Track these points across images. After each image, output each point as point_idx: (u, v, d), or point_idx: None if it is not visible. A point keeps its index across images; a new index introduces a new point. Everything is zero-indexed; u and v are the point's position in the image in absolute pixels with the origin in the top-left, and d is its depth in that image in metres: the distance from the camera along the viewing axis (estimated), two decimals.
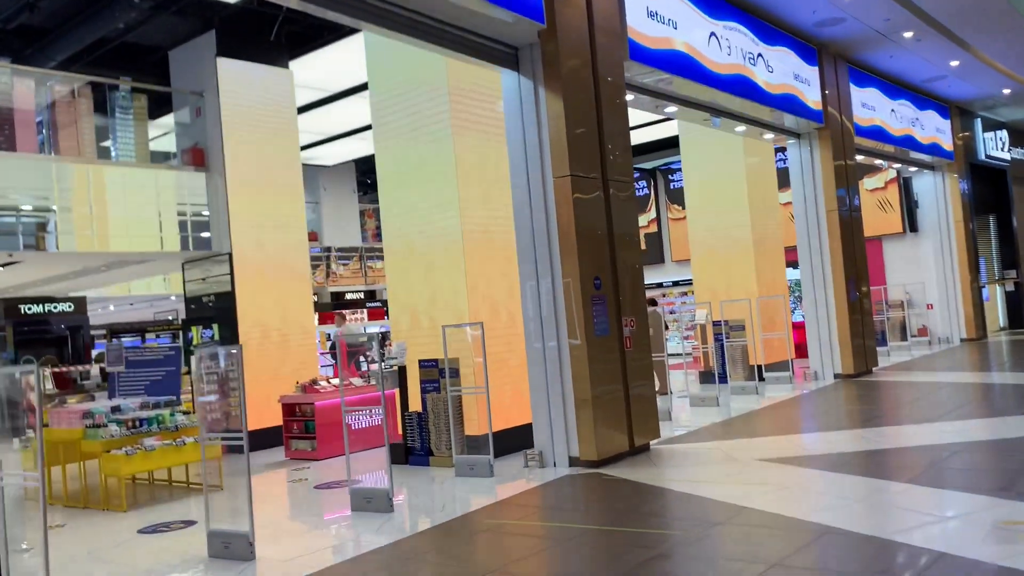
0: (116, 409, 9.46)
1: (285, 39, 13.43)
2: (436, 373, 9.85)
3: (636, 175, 27.41)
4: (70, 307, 18.43)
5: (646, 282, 27.92)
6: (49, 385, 16.76)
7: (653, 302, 14.78)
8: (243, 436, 6.68)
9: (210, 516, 6.69)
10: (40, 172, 11.72)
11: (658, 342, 13.92)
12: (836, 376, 15.09)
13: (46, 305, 18.04)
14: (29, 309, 17.83)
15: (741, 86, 12.34)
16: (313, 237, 22.56)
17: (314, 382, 11.51)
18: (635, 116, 19.45)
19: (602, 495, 7.74)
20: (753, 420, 11.47)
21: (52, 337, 18.12)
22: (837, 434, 9.83)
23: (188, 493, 9.51)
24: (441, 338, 9.04)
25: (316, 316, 14.75)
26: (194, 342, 13.26)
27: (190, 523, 7.89)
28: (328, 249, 22.40)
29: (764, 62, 13.00)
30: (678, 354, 20.28)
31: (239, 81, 12.71)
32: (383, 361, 10.57)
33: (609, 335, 8.94)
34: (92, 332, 19.62)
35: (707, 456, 8.94)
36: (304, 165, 22.64)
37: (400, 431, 10.21)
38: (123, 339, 23.24)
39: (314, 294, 22.48)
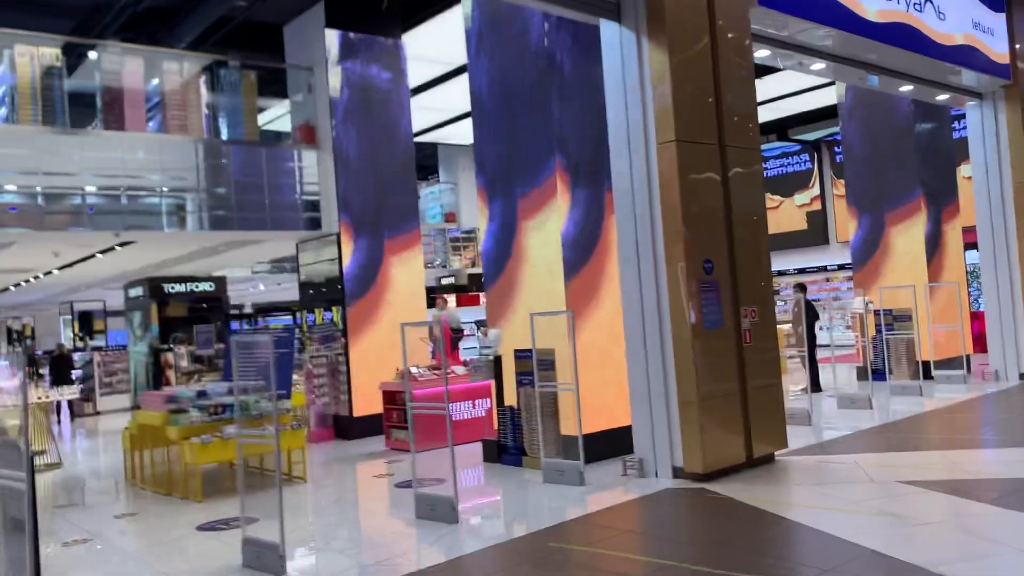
0: (202, 394, 9.18)
1: (398, 7, 12.78)
2: (531, 365, 8.91)
3: (796, 147, 25.30)
4: (211, 287, 18.89)
5: (808, 266, 25.83)
6: (184, 363, 17.25)
7: (802, 287, 13.16)
8: (274, 434, 6.00)
9: (249, 520, 6.11)
10: (173, 152, 11.73)
11: (805, 334, 12.35)
12: (1023, 377, 12.87)
13: (188, 284, 18.55)
14: (172, 288, 18.40)
15: (904, 36, 10.51)
16: (451, 218, 22.11)
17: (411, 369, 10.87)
18: (793, 80, 17.68)
19: (697, 519, 6.56)
20: (909, 428, 9.76)
21: (193, 316, 18.65)
22: (1014, 452, 8.08)
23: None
24: (532, 327, 8.09)
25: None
26: (316, 322, 13.00)
27: (253, 520, 7.39)
28: (471, 231, 21.78)
29: (934, 7, 11.04)
30: (842, 345, 18.28)
31: (347, 54, 12.21)
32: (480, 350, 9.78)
33: (723, 327, 7.66)
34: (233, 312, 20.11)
35: (840, 474, 7.50)
36: (441, 145, 22.50)
37: (496, 427, 9.37)
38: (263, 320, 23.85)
39: (451, 275, 22.11)
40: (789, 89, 19.08)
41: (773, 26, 9.17)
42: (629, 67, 7.80)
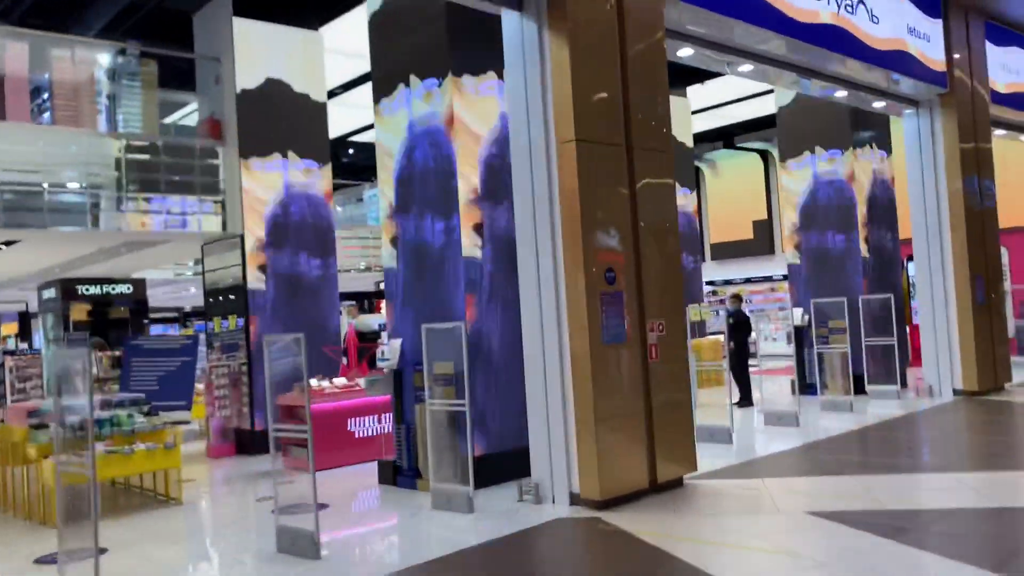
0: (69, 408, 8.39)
1: None
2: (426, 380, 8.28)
3: (743, 156, 25.00)
4: (128, 289, 17.97)
5: (754, 275, 25.50)
6: (95, 370, 16.31)
7: (737, 298, 12.70)
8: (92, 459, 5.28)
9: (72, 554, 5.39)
10: (65, 146, 10.91)
11: (732, 347, 11.89)
12: (956, 392, 12.53)
13: (104, 287, 17.62)
14: (86, 290, 17.46)
15: (835, 38, 10.08)
16: None
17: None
18: (740, 86, 17.29)
19: (577, 556, 5.97)
20: (831, 449, 9.29)
21: (109, 319, 17.73)
22: (939, 478, 7.63)
23: (150, 506, 8.32)
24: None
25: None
26: (215, 330, 12.21)
27: (102, 551, 6.65)
28: None
29: (867, 10, 10.64)
30: (778, 356, 17.91)
31: (257, 45, 11.49)
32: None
33: (626, 341, 7.09)
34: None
35: (747, 502, 6.96)
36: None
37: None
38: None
39: None
40: (735, 95, 18.76)
41: (693, 23, 8.66)
42: (530, 60, 7.22)
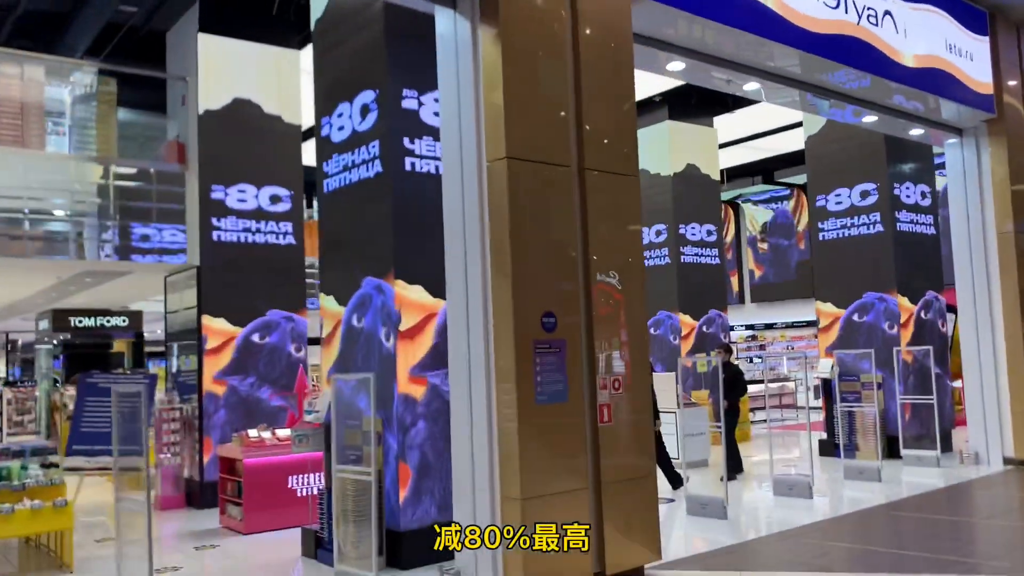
0: None
1: (294, 15, 11.24)
2: (358, 438, 7.15)
3: (785, 191, 23.52)
4: (124, 321, 17.30)
5: (797, 319, 23.81)
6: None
7: (726, 349, 11.28)
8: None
9: None
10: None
11: (732, 405, 10.49)
12: (1007, 462, 10.87)
13: (98, 318, 16.98)
14: (80, 322, 16.83)
15: (853, 52, 8.78)
16: None
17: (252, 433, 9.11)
18: (776, 115, 15.89)
19: None
20: (841, 533, 7.81)
21: (104, 353, 17.07)
22: None
23: (40, 568, 7.30)
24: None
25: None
26: (174, 369, 11.29)
27: None
28: None
29: (894, 21, 9.33)
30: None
31: (224, 63, 10.67)
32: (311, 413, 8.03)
33: (566, 402, 5.85)
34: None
35: None
36: None
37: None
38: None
39: None
40: (770, 125, 17.42)
41: (680, 30, 7.50)
42: (463, 64, 6.12)
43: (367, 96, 7.19)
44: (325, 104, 7.76)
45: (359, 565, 6.57)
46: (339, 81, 7.60)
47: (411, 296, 6.83)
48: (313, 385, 10.84)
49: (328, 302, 7.62)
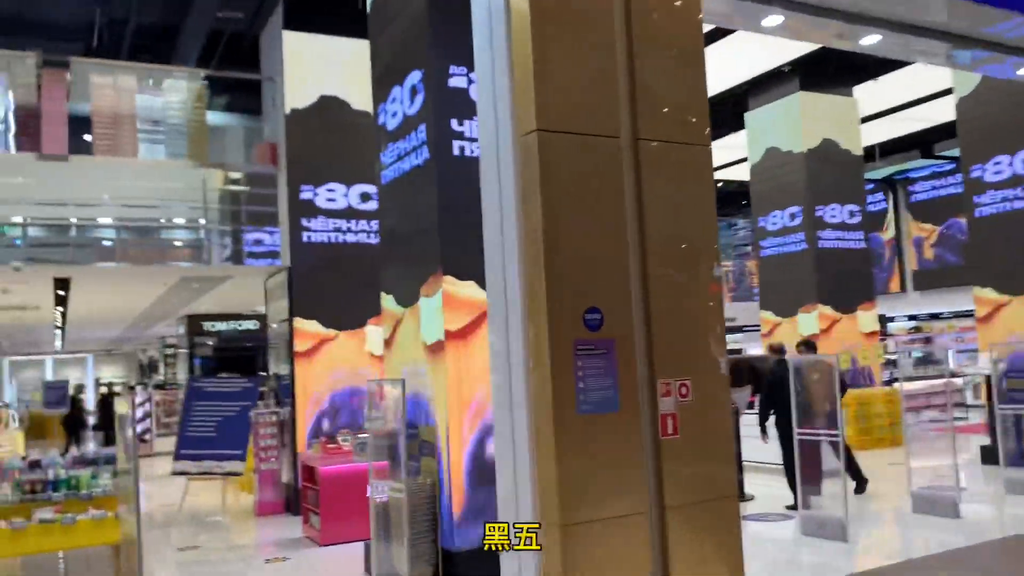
0: (34, 465, 7.49)
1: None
2: (416, 447, 6.61)
3: (950, 166, 21.13)
4: (255, 325, 17.72)
5: (934, 311, 21.40)
6: None
7: (777, 349, 9.89)
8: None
9: None
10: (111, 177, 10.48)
11: (822, 409, 9.12)
12: None
13: (230, 322, 17.47)
14: (212, 326, 17.37)
15: None
16: None
17: (331, 438, 8.77)
18: (927, 81, 14.04)
19: None
20: (987, 561, 6.49)
21: (238, 356, 17.53)
22: None
23: None
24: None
25: None
26: (280, 374, 11.22)
27: None
28: None
29: None
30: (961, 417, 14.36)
31: (310, 61, 10.45)
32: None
33: (618, 412, 5.01)
34: None
35: None
36: None
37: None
38: None
39: None
40: (920, 93, 15.54)
41: None
42: (496, 20, 5.39)
43: (415, 77, 6.62)
44: (380, 90, 7.27)
45: None
46: (391, 64, 7.08)
47: (461, 293, 6.19)
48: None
49: (388, 302, 7.12)
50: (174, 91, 10.52)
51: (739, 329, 22.75)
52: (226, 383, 11.56)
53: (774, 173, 14.24)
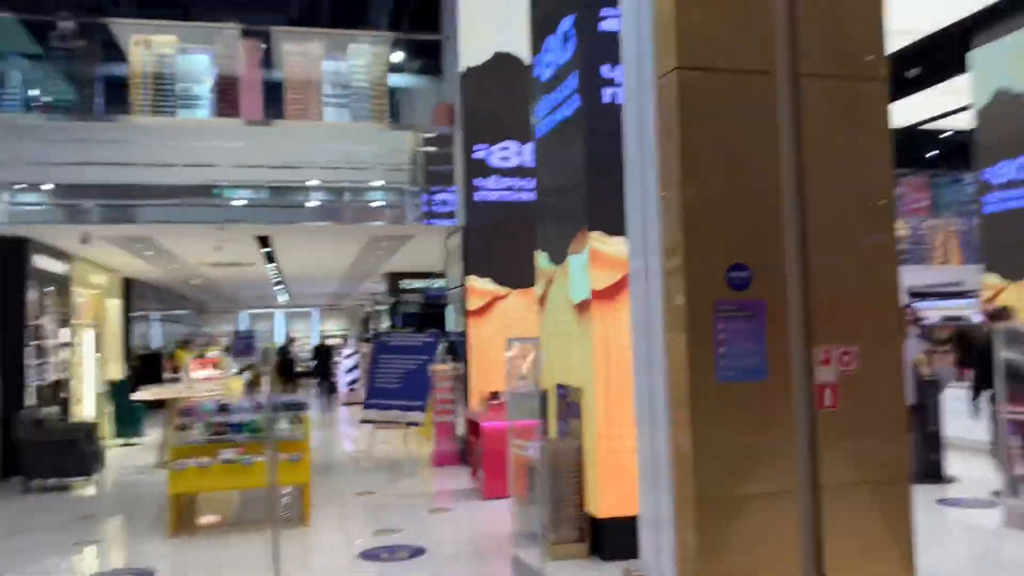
0: (223, 408, 8.06)
1: None
2: (564, 408, 6.43)
3: None
4: (445, 283, 18.20)
5: None
6: None
7: (999, 314, 8.45)
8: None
9: None
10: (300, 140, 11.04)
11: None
12: None
13: (424, 280, 18.07)
14: (409, 284, 18.05)
15: None
16: None
17: (495, 395, 8.77)
18: None
19: None
20: None
21: (427, 313, 18.12)
22: None
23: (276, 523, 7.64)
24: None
25: None
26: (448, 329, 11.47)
27: (147, 573, 6.05)
28: None
29: None
30: None
31: (484, 17, 10.37)
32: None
33: (766, 380, 4.54)
34: None
35: None
36: None
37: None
38: None
39: None
40: None
41: None
42: None
43: (567, 23, 6.32)
44: (536, 41, 7.03)
45: (556, 552, 5.91)
46: (546, 12, 6.81)
47: (609, 250, 5.89)
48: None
49: (541, 260, 6.94)
50: (359, 55, 10.83)
51: (962, 295, 20.56)
52: (409, 338, 11.96)
53: (1004, 118, 12.54)
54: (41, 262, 11.28)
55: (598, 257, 5.88)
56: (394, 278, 18.15)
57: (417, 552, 6.32)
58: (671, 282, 4.66)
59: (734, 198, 4.64)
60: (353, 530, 7.21)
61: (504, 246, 10.14)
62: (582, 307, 6.01)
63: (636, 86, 5.05)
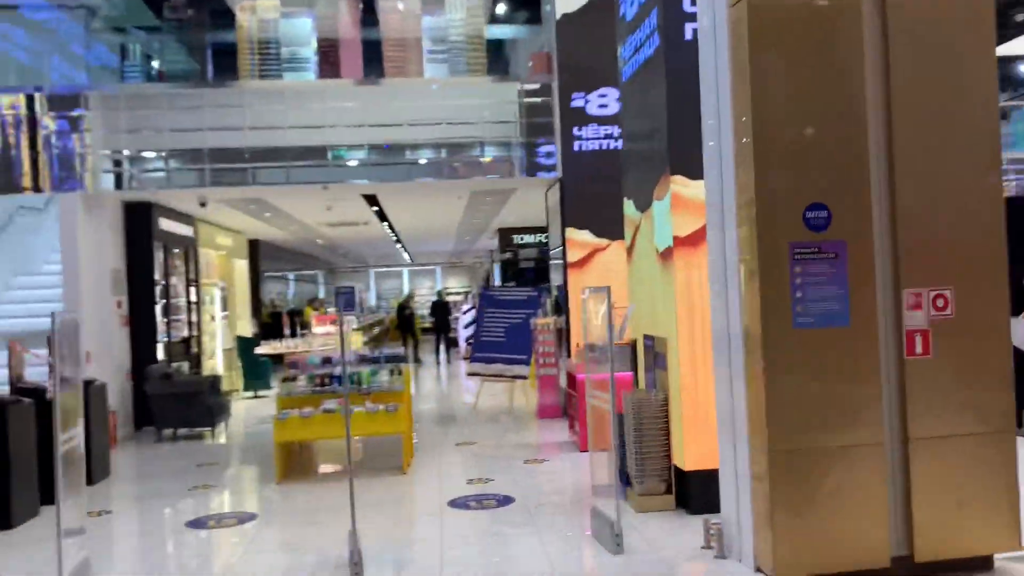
0: (326, 361, 8.33)
1: None
2: (652, 360, 6.28)
3: None
4: (546, 238, 18.12)
5: None
6: None
7: None
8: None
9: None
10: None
11: None
12: None
13: (536, 235, 18.04)
14: (520, 239, 18.08)
15: None
16: None
17: (593, 347, 8.63)
18: None
19: None
20: None
21: (536, 268, 18.12)
22: None
23: (376, 471, 7.85)
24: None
25: None
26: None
27: (249, 517, 6.36)
28: None
29: None
30: None
31: None
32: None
33: (848, 327, 4.27)
34: None
35: None
36: None
37: None
38: None
39: None
40: None
41: None
42: None
43: None
44: None
45: (643, 504, 5.83)
46: None
47: (692, 195, 5.65)
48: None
49: (628, 207, 6.76)
50: (456, 8, 10.77)
51: None
52: (512, 292, 12.00)
53: None
54: (167, 225, 11.94)
55: (680, 202, 5.66)
56: (505, 234, 18.23)
57: (505, 501, 6.37)
58: (744, 224, 4.47)
59: (812, 135, 4.38)
60: (448, 479, 7.35)
61: (603, 196, 9.92)
62: (665, 255, 5.82)
63: (711, 18, 4.81)
